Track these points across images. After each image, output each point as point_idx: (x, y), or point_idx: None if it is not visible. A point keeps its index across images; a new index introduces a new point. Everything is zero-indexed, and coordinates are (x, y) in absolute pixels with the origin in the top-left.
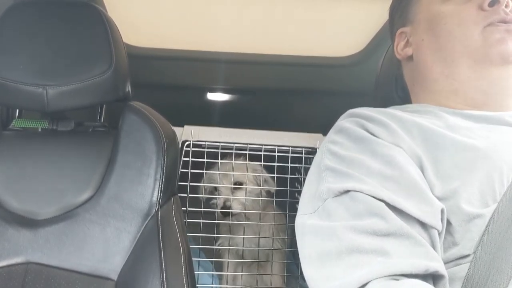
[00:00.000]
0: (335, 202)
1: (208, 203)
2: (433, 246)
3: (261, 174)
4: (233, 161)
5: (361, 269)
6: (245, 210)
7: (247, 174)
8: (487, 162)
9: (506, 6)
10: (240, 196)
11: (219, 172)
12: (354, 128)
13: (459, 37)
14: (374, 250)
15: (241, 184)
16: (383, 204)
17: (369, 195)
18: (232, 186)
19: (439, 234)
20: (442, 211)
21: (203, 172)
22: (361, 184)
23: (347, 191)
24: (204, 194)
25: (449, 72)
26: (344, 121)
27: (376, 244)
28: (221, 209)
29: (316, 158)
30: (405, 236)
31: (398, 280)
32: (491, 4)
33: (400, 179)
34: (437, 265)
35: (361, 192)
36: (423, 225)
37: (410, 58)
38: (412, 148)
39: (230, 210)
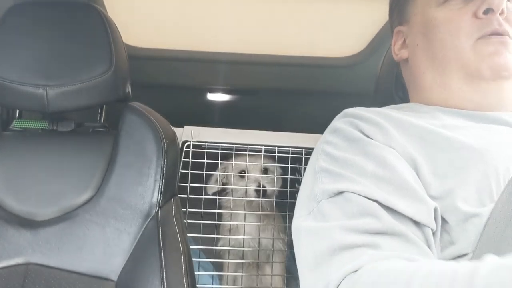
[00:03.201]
0: (329, 203)
1: (209, 204)
2: (428, 245)
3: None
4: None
5: (353, 261)
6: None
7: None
8: (483, 161)
9: (501, 14)
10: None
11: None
12: (348, 128)
13: (451, 48)
14: (367, 244)
15: (266, 171)
16: (376, 204)
17: (362, 195)
18: (262, 165)
19: (434, 233)
20: (435, 209)
21: (203, 173)
22: (354, 185)
23: (341, 192)
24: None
25: (441, 82)
26: (338, 122)
27: (368, 240)
28: (255, 188)
29: (311, 160)
30: (397, 234)
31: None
32: (485, 12)
33: (392, 179)
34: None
35: (354, 193)
36: (417, 224)
37: (406, 60)
38: (406, 148)
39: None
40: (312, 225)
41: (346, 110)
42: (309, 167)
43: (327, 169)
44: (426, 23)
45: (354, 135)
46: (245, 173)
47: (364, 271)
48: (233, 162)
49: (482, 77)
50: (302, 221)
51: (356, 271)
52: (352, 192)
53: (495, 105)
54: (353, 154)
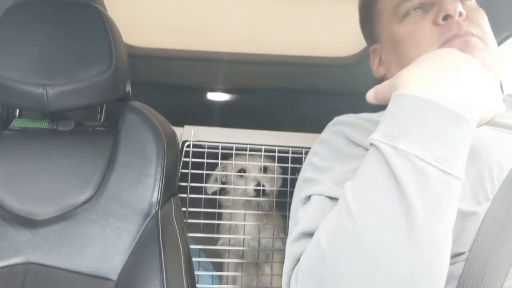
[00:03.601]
0: (303, 210)
1: (209, 203)
2: None
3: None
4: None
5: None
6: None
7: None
8: (476, 161)
9: (460, 16)
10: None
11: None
12: (333, 139)
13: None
14: None
15: (266, 170)
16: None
17: (324, 195)
18: (262, 165)
19: None
20: None
21: (203, 173)
22: (321, 186)
23: (310, 196)
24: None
25: None
26: (326, 132)
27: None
28: (254, 187)
29: (301, 172)
30: None
31: None
32: (444, 18)
33: None
34: None
35: (319, 194)
36: None
37: (384, 76)
38: None
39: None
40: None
41: (336, 118)
42: (298, 179)
43: (308, 178)
44: (392, 39)
45: (339, 145)
46: (245, 172)
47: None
48: (233, 162)
49: None
50: (290, 236)
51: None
52: (317, 194)
53: None
54: (333, 163)
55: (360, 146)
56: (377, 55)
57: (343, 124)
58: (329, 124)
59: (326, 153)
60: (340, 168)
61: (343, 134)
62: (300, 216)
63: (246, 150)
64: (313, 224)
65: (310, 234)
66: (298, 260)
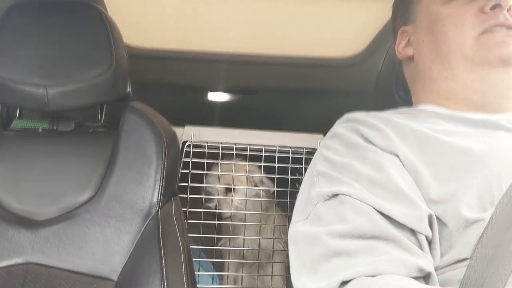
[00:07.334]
0: (324, 206)
1: (208, 203)
2: (423, 251)
3: (257, 175)
4: (220, 161)
5: (346, 270)
6: (242, 211)
7: (248, 175)
8: (483, 167)
9: (508, 10)
10: (235, 197)
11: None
12: (347, 134)
13: (455, 40)
14: (360, 250)
15: (230, 186)
16: (370, 208)
17: (357, 199)
18: (225, 186)
19: (432, 239)
20: (430, 216)
21: (203, 173)
22: (349, 188)
23: (336, 195)
24: (205, 195)
25: (448, 74)
26: (338, 127)
27: (362, 245)
28: (213, 211)
29: (311, 164)
30: (391, 239)
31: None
32: (493, 7)
33: (387, 185)
34: (421, 261)
35: (349, 195)
36: (411, 230)
37: (410, 58)
38: (406, 154)
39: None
40: (309, 229)
41: (347, 115)
42: (307, 172)
43: (324, 173)
44: (431, 18)
45: (354, 140)
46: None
47: (354, 285)
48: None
49: (490, 65)
50: (300, 226)
51: (347, 281)
52: (346, 195)
53: (501, 95)
54: (351, 159)
55: (374, 145)
56: (404, 37)
57: (355, 122)
58: (340, 121)
59: (339, 147)
60: (359, 166)
61: (357, 131)
62: (325, 212)
63: (246, 150)
64: (359, 226)
65: (355, 236)
66: (337, 254)
